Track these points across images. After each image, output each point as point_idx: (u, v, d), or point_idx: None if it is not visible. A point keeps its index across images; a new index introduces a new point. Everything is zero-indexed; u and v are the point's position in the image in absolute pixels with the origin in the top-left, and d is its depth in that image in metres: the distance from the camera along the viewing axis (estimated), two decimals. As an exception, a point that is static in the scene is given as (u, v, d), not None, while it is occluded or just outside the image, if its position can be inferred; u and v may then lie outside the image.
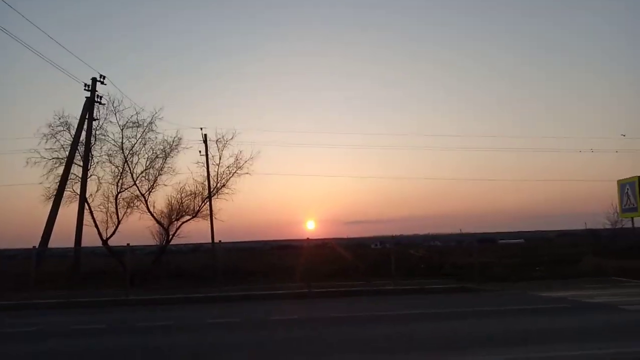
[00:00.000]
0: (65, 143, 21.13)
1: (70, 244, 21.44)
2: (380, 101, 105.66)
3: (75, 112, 21.50)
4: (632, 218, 21.70)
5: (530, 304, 12.48)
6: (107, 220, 20.92)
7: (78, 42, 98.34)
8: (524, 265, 22.63)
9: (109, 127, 21.79)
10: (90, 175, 21.44)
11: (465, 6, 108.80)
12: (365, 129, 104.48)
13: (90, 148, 21.48)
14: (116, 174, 21.34)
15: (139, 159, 21.55)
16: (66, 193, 21.10)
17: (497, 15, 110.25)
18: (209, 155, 24.52)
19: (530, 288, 15.74)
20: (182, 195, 22.28)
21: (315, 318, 11.10)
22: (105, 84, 22.25)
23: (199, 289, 16.42)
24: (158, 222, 21.93)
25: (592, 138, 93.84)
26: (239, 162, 22.62)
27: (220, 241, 19.94)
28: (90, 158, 21.43)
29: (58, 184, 20.79)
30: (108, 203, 21.12)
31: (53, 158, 20.98)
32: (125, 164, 21.27)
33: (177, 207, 22.12)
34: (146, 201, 21.55)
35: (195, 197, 22.57)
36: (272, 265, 22.28)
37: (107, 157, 21.55)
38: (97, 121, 21.81)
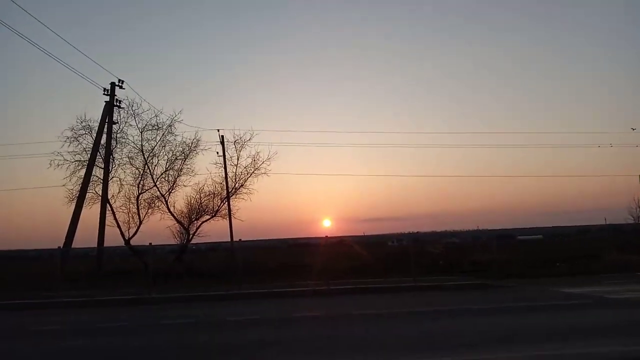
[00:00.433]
0: (87, 146, 21.69)
1: (93, 244, 21.93)
2: (403, 99, 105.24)
3: (96, 116, 21.98)
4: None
5: (555, 300, 12.35)
6: (129, 220, 21.48)
7: (98, 49, 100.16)
8: (544, 261, 22.40)
9: (129, 130, 22.29)
10: (112, 177, 21.96)
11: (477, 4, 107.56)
12: (383, 127, 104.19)
13: (111, 150, 21.94)
14: (137, 175, 21.84)
15: (158, 160, 22.02)
16: (89, 195, 21.61)
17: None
18: (227, 156, 24.83)
19: (553, 284, 15.57)
20: (201, 195, 22.70)
21: (338, 315, 11.18)
22: (124, 89, 22.73)
23: (219, 287, 16.63)
24: (178, 221, 22.32)
25: (610, 133, 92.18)
26: (256, 163, 22.92)
27: (240, 239, 20.20)
28: (111, 160, 21.90)
29: (81, 185, 21.28)
30: (130, 204, 21.66)
31: (75, 161, 21.53)
32: (146, 166, 21.74)
33: (197, 207, 22.54)
34: (166, 201, 21.99)
35: (214, 197, 22.98)
36: (291, 263, 22.41)
37: (127, 159, 22.09)
38: (117, 124, 22.25)
